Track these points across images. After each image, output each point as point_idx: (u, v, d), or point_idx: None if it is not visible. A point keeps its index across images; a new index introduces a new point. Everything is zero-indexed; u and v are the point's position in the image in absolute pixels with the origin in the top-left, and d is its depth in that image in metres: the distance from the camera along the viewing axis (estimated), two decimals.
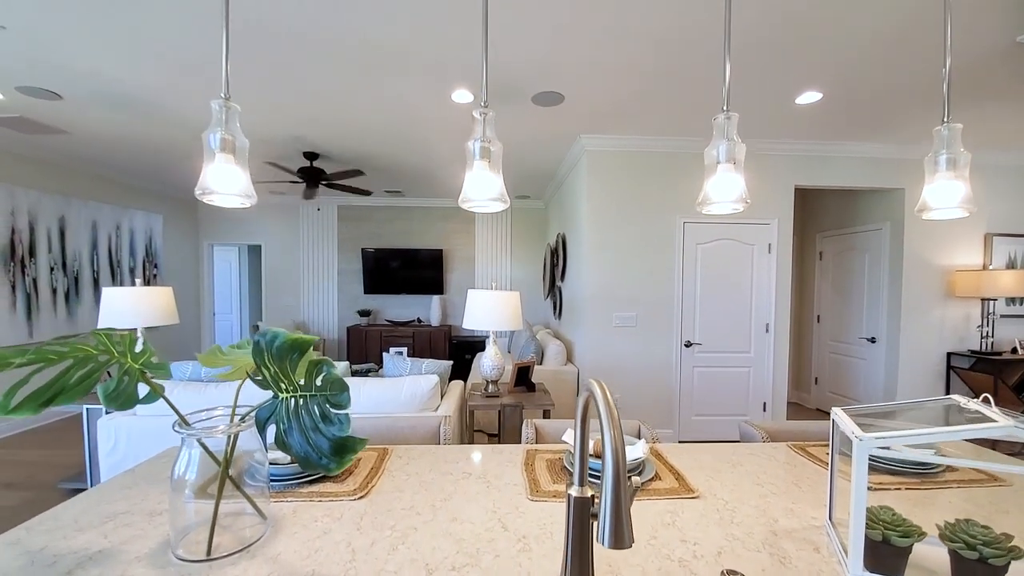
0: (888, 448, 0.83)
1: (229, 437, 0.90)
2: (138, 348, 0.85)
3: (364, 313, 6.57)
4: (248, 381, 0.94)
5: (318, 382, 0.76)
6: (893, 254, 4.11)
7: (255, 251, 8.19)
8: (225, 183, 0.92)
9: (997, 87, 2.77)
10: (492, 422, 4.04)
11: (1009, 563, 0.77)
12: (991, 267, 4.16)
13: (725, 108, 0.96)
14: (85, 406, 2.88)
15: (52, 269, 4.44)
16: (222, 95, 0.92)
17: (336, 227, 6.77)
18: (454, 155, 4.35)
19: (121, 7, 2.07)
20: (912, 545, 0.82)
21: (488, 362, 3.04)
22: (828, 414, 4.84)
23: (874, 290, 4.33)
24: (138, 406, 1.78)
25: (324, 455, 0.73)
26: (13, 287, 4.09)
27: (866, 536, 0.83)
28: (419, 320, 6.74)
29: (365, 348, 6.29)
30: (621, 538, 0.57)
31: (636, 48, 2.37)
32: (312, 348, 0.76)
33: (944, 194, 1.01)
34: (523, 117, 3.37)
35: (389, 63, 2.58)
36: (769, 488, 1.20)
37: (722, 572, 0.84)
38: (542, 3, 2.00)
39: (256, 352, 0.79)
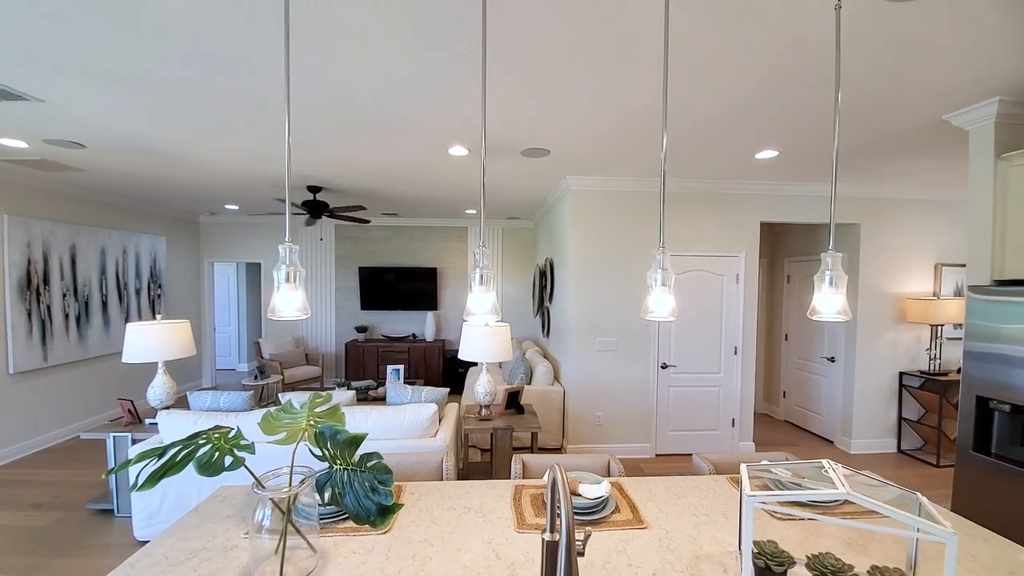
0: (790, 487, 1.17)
1: (291, 497, 1.21)
2: (231, 435, 1.16)
3: (361, 329, 6.85)
4: (300, 447, 1.25)
5: (368, 464, 1.08)
6: (850, 282, 4.51)
7: (253, 266, 8.42)
8: (289, 305, 1.23)
9: (933, 146, 3.14)
10: (485, 438, 4.37)
11: None
12: (941, 294, 4.57)
13: (661, 246, 1.30)
14: (112, 434, 3.14)
15: (64, 295, 4.67)
16: (286, 240, 1.23)
17: (334, 246, 7.04)
18: (449, 187, 4.65)
19: (165, 92, 2.36)
20: (786, 571, 1.16)
21: (481, 388, 3.36)
22: (796, 425, 5.27)
23: None
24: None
25: (372, 515, 1.04)
26: (29, 314, 4.31)
27: (753, 563, 1.17)
28: (414, 335, 7.03)
29: (363, 363, 6.58)
30: None
31: (611, 118, 2.71)
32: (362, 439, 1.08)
33: (828, 304, 1.36)
34: (513, 165, 3.69)
35: (395, 129, 2.89)
36: (703, 519, 1.54)
37: None
38: (528, 86, 2.33)
39: (320, 439, 1.10)
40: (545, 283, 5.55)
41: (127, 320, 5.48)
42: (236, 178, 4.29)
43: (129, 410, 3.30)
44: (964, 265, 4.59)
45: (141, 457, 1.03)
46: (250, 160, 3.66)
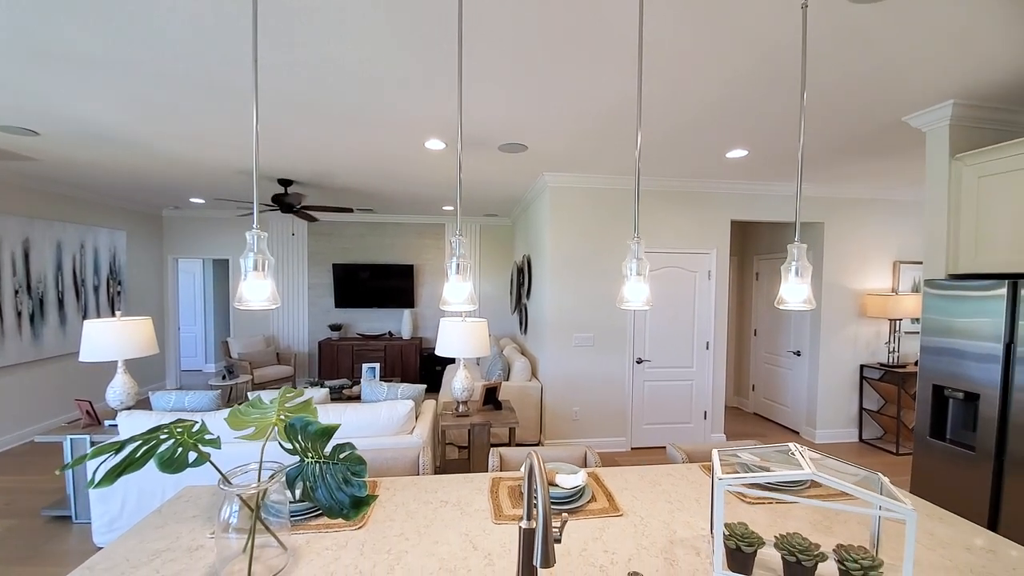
0: (758, 474, 1.19)
1: (260, 493, 1.17)
2: (195, 429, 1.11)
3: (335, 327, 6.72)
4: (270, 443, 1.21)
5: (341, 456, 1.05)
6: (814, 278, 4.67)
7: (220, 263, 8.15)
8: (257, 294, 1.19)
9: (893, 146, 3.27)
10: (462, 435, 4.34)
11: (816, 565, 1.15)
12: (899, 290, 4.78)
13: (636, 235, 1.31)
14: (68, 436, 2.99)
15: (16, 292, 4.41)
16: (254, 226, 1.19)
17: (306, 242, 6.87)
18: (425, 182, 4.60)
19: (127, 76, 2.25)
20: (756, 552, 1.19)
21: (458, 384, 3.34)
22: (765, 418, 5.43)
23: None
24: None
25: (345, 507, 1.02)
26: None
27: (725, 544, 1.19)
28: (390, 334, 6.94)
29: (337, 362, 6.45)
30: (547, 561, 0.90)
31: (587, 115, 2.72)
32: (334, 431, 1.05)
33: (794, 293, 1.40)
34: (490, 160, 3.68)
35: (369, 121, 2.84)
36: (676, 504, 1.56)
37: (628, 574, 1.19)
38: (506, 80, 2.32)
39: (290, 431, 1.07)
40: (523, 280, 5.56)
41: (85, 318, 5.22)
42: (201, 168, 4.14)
43: (87, 411, 3.15)
44: (921, 262, 4.83)
45: (98, 452, 0.98)
46: (217, 149, 3.53)
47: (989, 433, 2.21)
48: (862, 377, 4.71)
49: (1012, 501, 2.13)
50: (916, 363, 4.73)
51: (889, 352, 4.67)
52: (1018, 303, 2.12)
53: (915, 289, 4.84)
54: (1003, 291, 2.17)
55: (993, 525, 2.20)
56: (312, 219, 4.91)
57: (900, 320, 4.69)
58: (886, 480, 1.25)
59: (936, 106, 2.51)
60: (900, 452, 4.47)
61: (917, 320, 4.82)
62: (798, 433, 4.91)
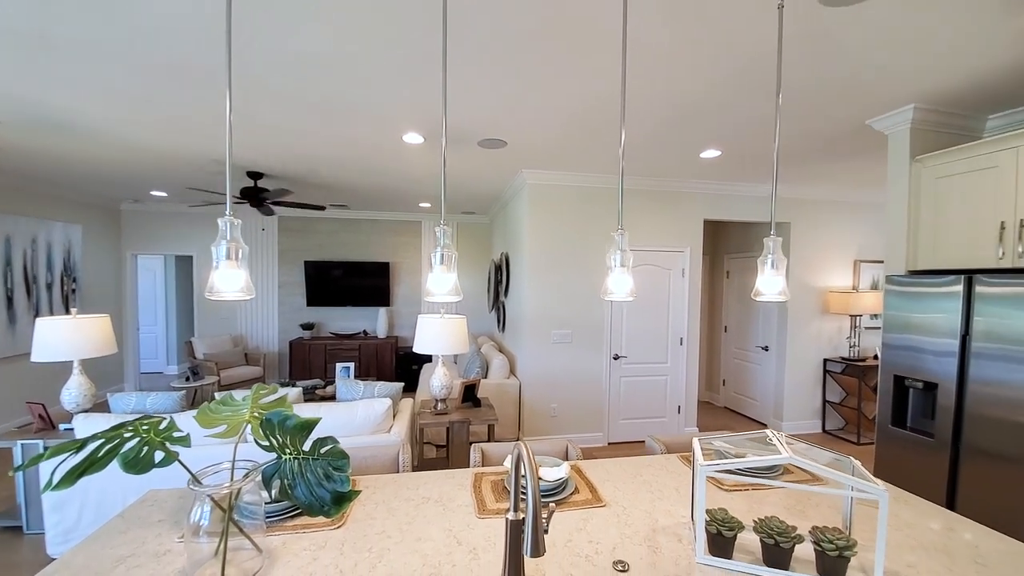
0: (731, 466, 1.22)
1: (232, 493, 1.12)
2: (163, 426, 1.05)
3: (307, 326, 6.54)
4: (242, 444, 1.16)
5: (322, 451, 1.01)
6: None
7: (182, 260, 7.82)
8: (230, 284, 1.14)
9: (856, 149, 3.42)
10: (440, 434, 4.29)
11: (793, 546, 1.18)
12: (860, 288, 5.00)
13: (620, 227, 1.32)
14: (20, 442, 2.80)
15: None
16: (227, 214, 1.14)
17: (277, 238, 6.66)
18: (402, 177, 4.53)
19: (80, 57, 2.12)
20: (735, 536, 1.22)
21: (437, 382, 3.30)
22: (735, 411, 5.58)
23: (767, 306, 5.06)
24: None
25: (326, 504, 0.99)
26: None
27: (706, 530, 1.22)
28: (365, 332, 6.81)
29: (309, 362, 6.28)
30: (537, 550, 0.89)
31: (565, 112, 2.73)
32: (315, 425, 1.01)
33: (770, 285, 1.44)
34: (469, 156, 3.65)
35: (346, 112, 2.77)
36: (657, 494, 1.58)
37: (613, 562, 1.19)
38: (488, 75, 2.30)
39: (267, 427, 1.02)
40: (500, 277, 5.54)
41: (37, 317, 4.92)
42: (166, 158, 3.96)
43: (40, 415, 2.96)
44: (881, 261, 5.06)
45: (57, 451, 0.91)
46: (185, 138, 3.38)
47: (947, 422, 2.33)
48: (825, 371, 4.90)
49: (967, 484, 2.25)
50: (875, 357, 4.95)
51: (850, 347, 4.87)
52: (972, 297, 2.24)
53: (874, 287, 5.06)
54: (959, 287, 2.29)
55: (951, 506, 2.32)
56: (295, 205, 4.75)
57: (860, 316, 4.91)
58: (858, 463, 1.30)
59: (898, 110, 2.63)
60: (861, 442, 4.67)
61: (876, 316, 5.06)
62: (766, 425, 5.08)
